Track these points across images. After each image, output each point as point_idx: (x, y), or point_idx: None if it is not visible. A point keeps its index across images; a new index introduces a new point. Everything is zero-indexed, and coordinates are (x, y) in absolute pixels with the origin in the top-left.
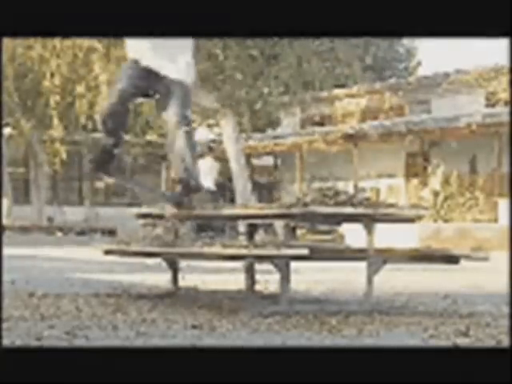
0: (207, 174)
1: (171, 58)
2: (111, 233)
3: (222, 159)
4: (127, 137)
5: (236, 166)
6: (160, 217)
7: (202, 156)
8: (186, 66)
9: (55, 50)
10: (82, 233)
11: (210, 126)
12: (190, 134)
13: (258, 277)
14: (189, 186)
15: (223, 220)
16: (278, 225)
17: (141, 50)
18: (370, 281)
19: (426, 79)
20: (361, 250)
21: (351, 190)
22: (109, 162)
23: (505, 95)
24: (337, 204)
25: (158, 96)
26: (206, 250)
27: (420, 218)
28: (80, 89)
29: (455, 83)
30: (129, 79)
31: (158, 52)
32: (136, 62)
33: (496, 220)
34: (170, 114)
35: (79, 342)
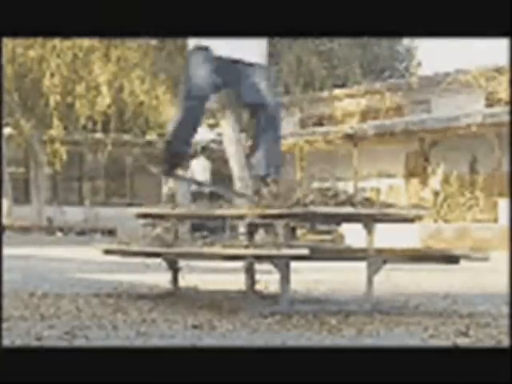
0: (200, 173)
1: (245, 41)
2: (111, 233)
3: (222, 159)
4: (127, 137)
5: (236, 166)
6: (160, 217)
7: (195, 156)
8: (261, 49)
9: (55, 50)
10: (82, 233)
11: (210, 125)
12: (278, 123)
13: (257, 277)
14: (266, 181)
15: (223, 220)
16: (278, 225)
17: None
18: (370, 281)
19: (426, 79)
20: (361, 250)
21: (351, 190)
22: (178, 166)
23: (505, 95)
24: (337, 204)
25: (236, 84)
26: (206, 249)
27: (420, 218)
28: (80, 89)
29: (455, 83)
30: (206, 76)
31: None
32: (206, 49)
33: (496, 220)
34: (267, 101)
35: (79, 342)
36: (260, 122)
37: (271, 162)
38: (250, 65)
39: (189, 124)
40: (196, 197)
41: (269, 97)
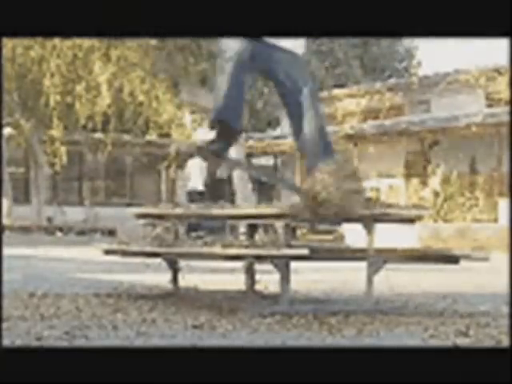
0: (196, 173)
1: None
2: (111, 233)
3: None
4: (127, 137)
5: None
6: (160, 217)
7: (191, 156)
8: (300, 40)
9: (55, 49)
10: (81, 233)
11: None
12: (320, 110)
13: (257, 277)
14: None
15: (222, 220)
16: (278, 225)
17: None
18: (370, 281)
19: (426, 79)
20: (361, 250)
21: None
22: (231, 146)
23: (505, 95)
24: None
25: (275, 67)
26: (206, 249)
27: (420, 218)
28: (80, 89)
29: (455, 83)
30: (243, 48)
31: None
32: None
33: (496, 220)
34: (306, 90)
35: (79, 342)
36: (299, 108)
37: (321, 149)
38: (287, 52)
39: (237, 97)
40: (192, 197)
41: (309, 82)
